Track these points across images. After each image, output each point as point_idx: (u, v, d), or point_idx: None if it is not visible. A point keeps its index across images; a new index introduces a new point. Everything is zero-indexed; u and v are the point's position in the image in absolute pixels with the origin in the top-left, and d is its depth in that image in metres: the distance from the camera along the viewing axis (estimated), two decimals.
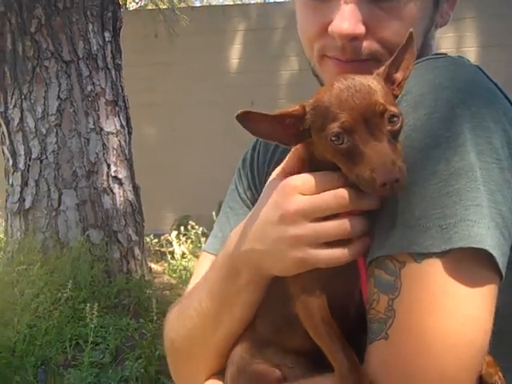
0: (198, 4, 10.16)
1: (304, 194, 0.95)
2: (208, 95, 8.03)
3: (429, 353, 0.85)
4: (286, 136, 0.97)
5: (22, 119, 5.25)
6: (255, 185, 1.29)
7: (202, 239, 6.47)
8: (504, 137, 0.91)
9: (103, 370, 3.87)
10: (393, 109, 0.89)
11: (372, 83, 0.92)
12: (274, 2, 15.34)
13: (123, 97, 5.57)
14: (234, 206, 1.30)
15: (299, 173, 0.99)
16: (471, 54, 7.55)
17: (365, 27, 1.03)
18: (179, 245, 6.68)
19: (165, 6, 6.80)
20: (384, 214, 0.91)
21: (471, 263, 0.86)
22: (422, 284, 0.86)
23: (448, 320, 0.85)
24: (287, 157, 1.05)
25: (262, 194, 1.05)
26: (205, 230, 6.66)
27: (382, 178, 0.85)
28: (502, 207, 0.88)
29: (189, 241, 6.80)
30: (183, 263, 6.15)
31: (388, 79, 0.95)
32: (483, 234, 0.84)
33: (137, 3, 7.74)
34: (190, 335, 1.16)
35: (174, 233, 6.86)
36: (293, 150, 1.04)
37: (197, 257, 6.34)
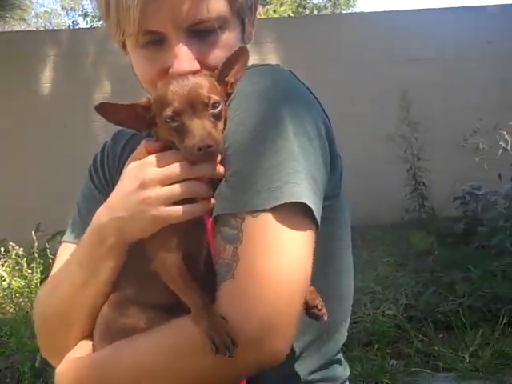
0: None
1: (158, 167, 1.15)
2: (21, 118, 8.03)
3: (266, 284, 1.04)
4: (138, 123, 1.21)
5: None
6: (105, 177, 1.48)
7: (22, 260, 6.48)
8: (312, 122, 1.16)
9: None
10: (214, 97, 1.13)
11: (199, 79, 1.16)
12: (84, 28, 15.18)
13: None
14: (89, 197, 1.45)
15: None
16: None
17: (197, 62, 1.23)
18: None
19: None
20: (225, 181, 1.12)
21: (295, 215, 1.08)
22: (258, 233, 1.07)
23: (279, 259, 1.06)
24: (137, 149, 1.24)
25: (122, 175, 1.22)
26: (23, 253, 6.64)
27: (198, 144, 1.08)
28: (315, 174, 1.12)
29: (6, 264, 6.73)
30: (3, 284, 6.14)
31: (221, 81, 1.19)
32: (303, 193, 1.07)
33: None
34: (62, 304, 1.26)
35: None
36: (141, 143, 1.23)
37: (17, 277, 6.34)
